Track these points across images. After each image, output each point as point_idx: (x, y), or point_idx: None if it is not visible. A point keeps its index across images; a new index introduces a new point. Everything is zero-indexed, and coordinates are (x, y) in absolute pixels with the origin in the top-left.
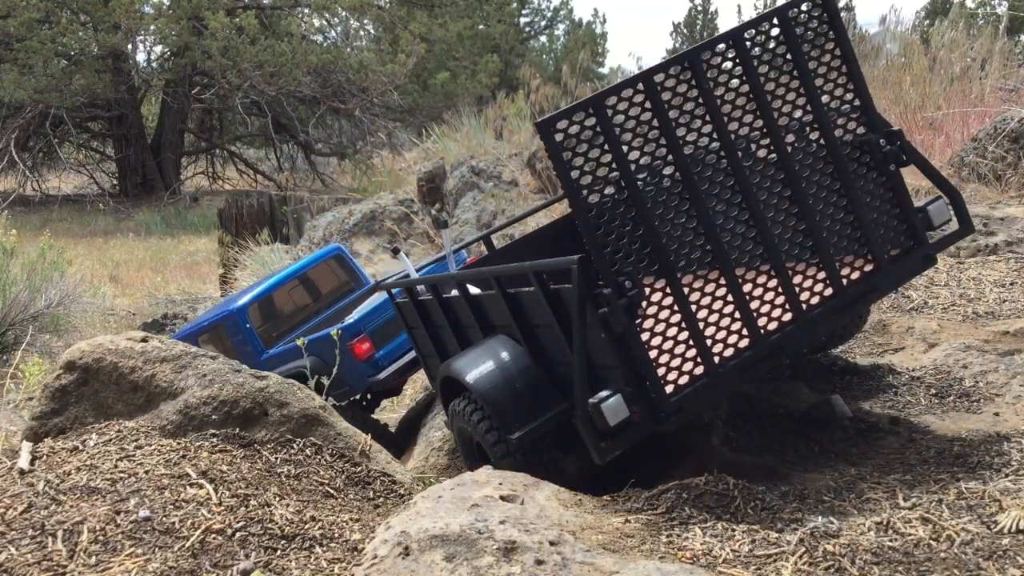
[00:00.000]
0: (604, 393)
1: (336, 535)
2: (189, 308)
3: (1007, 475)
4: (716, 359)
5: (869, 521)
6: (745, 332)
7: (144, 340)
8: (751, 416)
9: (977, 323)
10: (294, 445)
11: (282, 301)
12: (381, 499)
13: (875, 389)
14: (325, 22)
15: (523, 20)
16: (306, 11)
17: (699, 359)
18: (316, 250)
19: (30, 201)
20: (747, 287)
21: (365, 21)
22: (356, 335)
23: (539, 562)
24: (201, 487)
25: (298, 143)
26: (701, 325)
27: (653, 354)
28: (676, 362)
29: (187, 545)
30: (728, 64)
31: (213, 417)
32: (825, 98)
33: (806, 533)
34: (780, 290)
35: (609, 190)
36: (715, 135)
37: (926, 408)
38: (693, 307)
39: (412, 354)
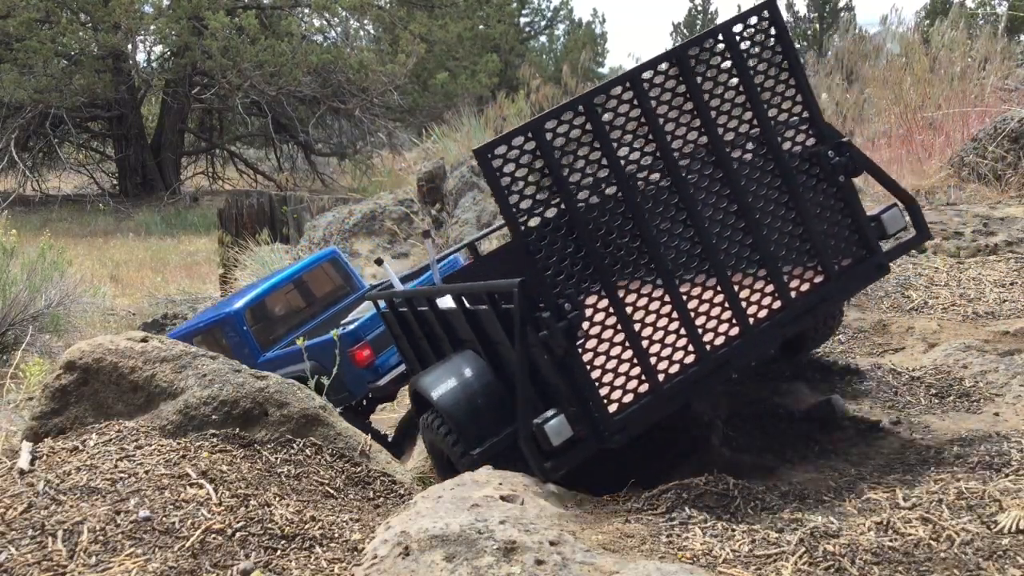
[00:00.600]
0: (548, 414)
1: (336, 535)
2: (189, 308)
3: (1007, 475)
4: (661, 376)
5: (869, 521)
6: (691, 348)
7: (144, 340)
8: (751, 416)
9: (977, 323)
10: (294, 445)
11: (278, 304)
12: (381, 499)
13: (875, 389)
14: (325, 22)
15: (523, 20)
16: (306, 11)
17: (643, 377)
18: (316, 250)
19: (30, 201)
20: (692, 303)
21: (365, 21)
22: (357, 342)
23: (539, 562)
24: (201, 487)
25: (298, 143)
26: (645, 343)
27: (596, 374)
28: (620, 381)
29: (187, 545)
30: (671, 82)
31: (213, 417)
32: (773, 111)
33: (806, 533)
34: (726, 305)
35: (550, 212)
36: (658, 153)
37: (926, 408)
38: (637, 326)
39: None
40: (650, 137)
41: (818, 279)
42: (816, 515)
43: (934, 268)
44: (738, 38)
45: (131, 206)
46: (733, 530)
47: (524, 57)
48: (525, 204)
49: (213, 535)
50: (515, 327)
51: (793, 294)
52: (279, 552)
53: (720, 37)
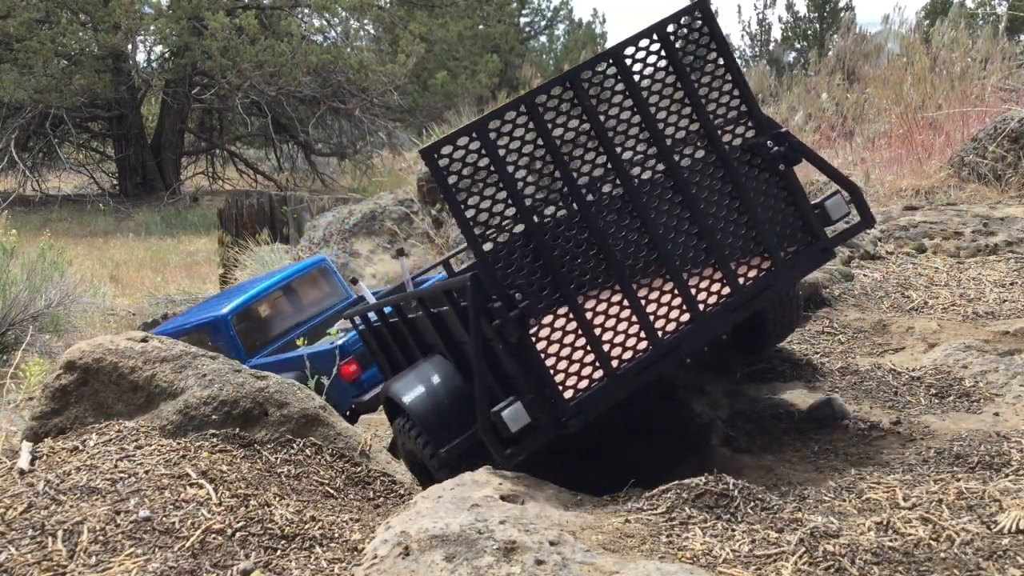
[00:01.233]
0: (505, 402)
1: (336, 535)
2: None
3: (1007, 475)
4: (614, 362)
5: (869, 521)
6: (643, 335)
7: (144, 340)
8: (751, 416)
9: (977, 323)
10: (294, 445)
11: (265, 309)
12: (381, 499)
13: (875, 389)
14: (325, 22)
15: (523, 20)
16: (306, 11)
17: (597, 363)
18: (316, 250)
19: (30, 201)
20: (642, 292)
21: (365, 21)
22: (344, 356)
23: (539, 562)
24: (201, 487)
25: (298, 143)
26: (597, 331)
27: (551, 361)
28: (575, 367)
29: (187, 545)
30: (610, 81)
31: (213, 417)
32: (712, 106)
33: (806, 533)
34: (676, 293)
35: (499, 208)
36: (601, 150)
37: (926, 408)
38: (589, 315)
39: None
40: (592, 134)
41: (765, 265)
42: (816, 515)
43: (934, 268)
44: (672, 37)
45: (131, 206)
46: (733, 530)
47: (524, 57)
48: (473, 201)
49: (213, 535)
50: (470, 319)
51: (741, 280)
52: (279, 552)
53: (654, 37)
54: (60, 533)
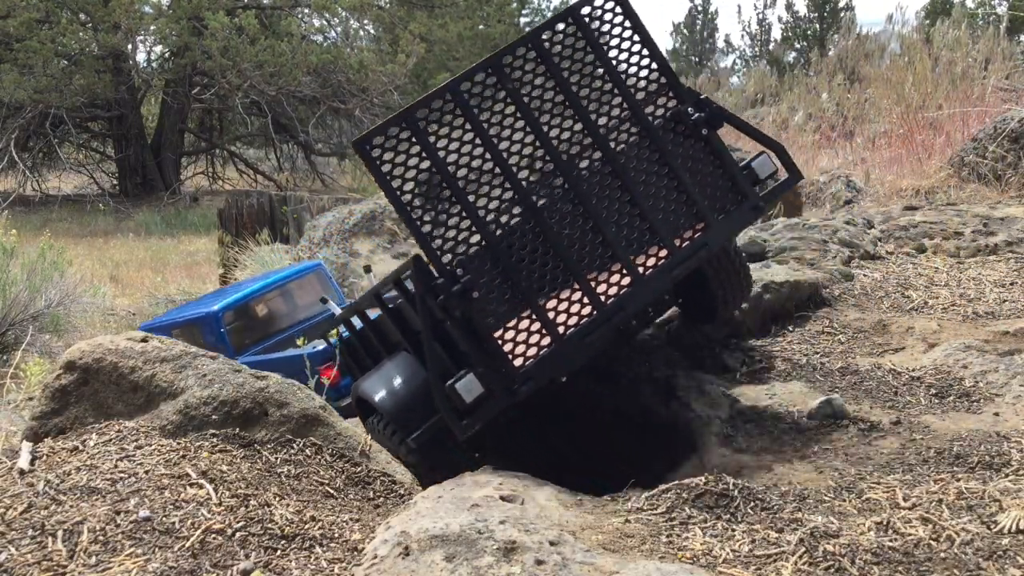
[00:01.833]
0: (458, 375)
1: (336, 535)
2: None
3: (1007, 475)
4: (560, 329)
5: (869, 521)
6: (585, 300)
7: (144, 340)
8: (751, 416)
9: (977, 323)
10: (294, 445)
11: (258, 309)
12: (381, 499)
13: (875, 389)
14: (325, 22)
15: (523, 20)
16: (306, 11)
17: (544, 331)
18: (316, 250)
19: (30, 201)
20: (585, 260)
21: (365, 21)
22: (325, 361)
23: (539, 562)
24: (201, 487)
25: (298, 143)
26: (542, 301)
27: (499, 332)
28: (522, 336)
29: (187, 545)
30: (531, 64)
31: (213, 417)
32: (632, 80)
33: (806, 533)
34: (616, 257)
35: (435, 192)
36: (528, 130)
37: (926, 408)
38: (532, 288)
39: None
40: (518, 116)
41: (699, 226)
42: (816, 515)
43: (934, 268)
44: (587, 19)
45: (131, 206)
46: (733, 530)
47: None
48: (408, 187)
49: (213, 535)
50: (417, 298)
51: (677, 242)
52: (279, 552)
53: (570, 20)
54: (60, 533)
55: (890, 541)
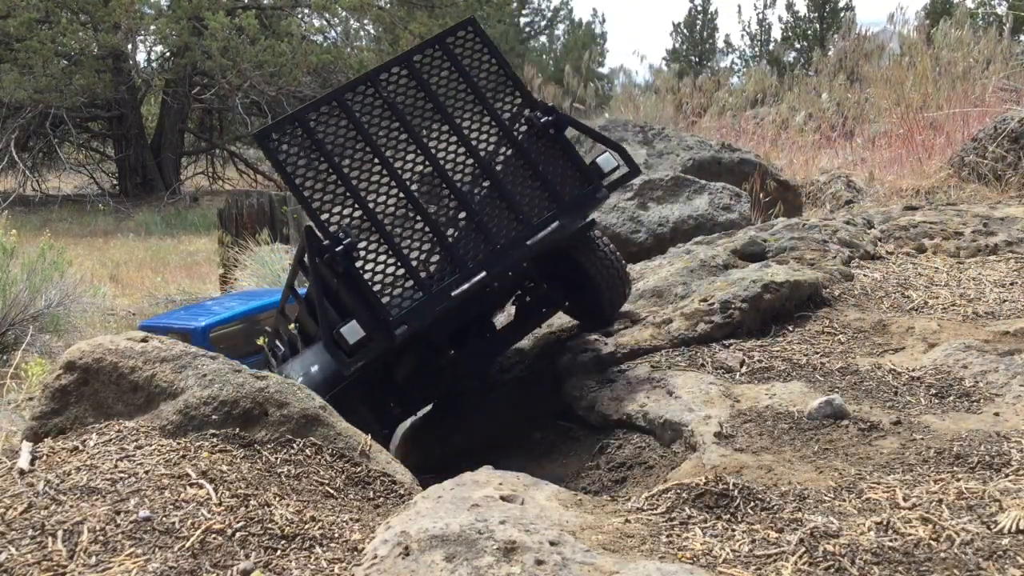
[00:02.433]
0: (343, 322)
1: (336, 535)
2: None
3: (1007, 475)
4: (429, 285)
5: (869, 521)
6: (450, 259)
7: (144, 340)
8: (751, 416)
9: (977, 323)
10: (294, 445)
11: (249, 327)
12: (381, 499)
13: (875, 389)
14: (325, 22)
15: (523, 20)
16: (306, 11)
17: (415, 286)
18: None
19: (30, 201)
20: (449, 231)
21: (365, 21)
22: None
23: (539, 562)
24: (201, 487)
25: None
26: (414, 263)
27: (377, 287)
28: (397, 291)
29: (187, 545)
30: (404, 79)
31: (213, 417)
32: (493, 94)
33: (806, 533)
34: (477, 229)
35: (329, 179)
36: (403, 131)
37: (926, 408)
38: (405, 251)
39: None
40: (394, 119)
41: (552, 206)
42: (816, 515)
43: (934, 268)
44: (451, 47)
45: (131, 206)
46: (733, 530)
47: (524, 57)
48: (300, 172)
49: (213, 535)
50: (308, 259)
51: (533, 220)
52: (279, 552)
53: (436, 47)
54: (60, 533)
55: (890, 541)
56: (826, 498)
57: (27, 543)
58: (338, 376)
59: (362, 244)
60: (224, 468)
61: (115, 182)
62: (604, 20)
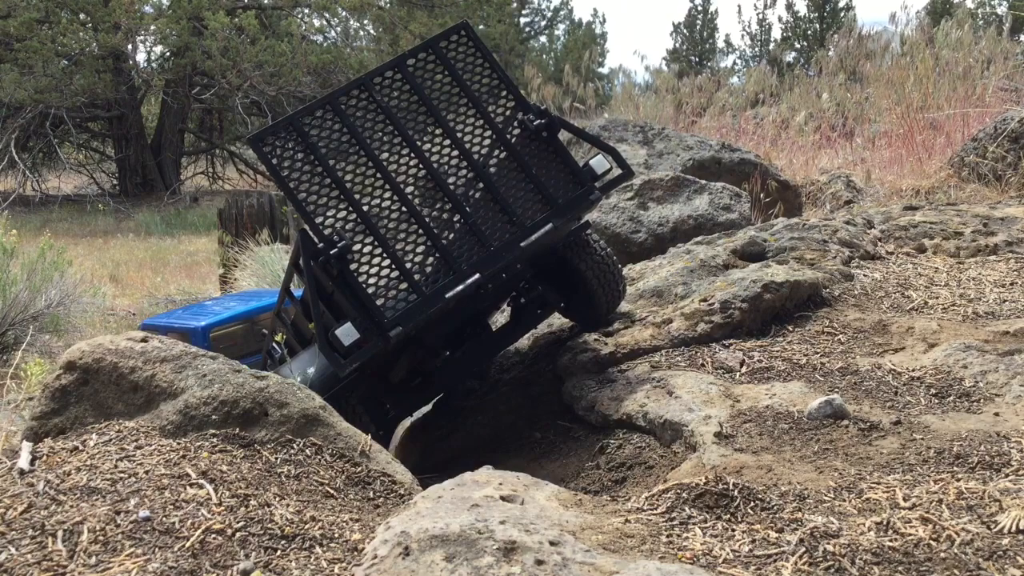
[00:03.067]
0: (339, 324)
1: (336, 535)
2: None
3: (1007, 475)
4: (424, 287)
5: (869, 521)
6: (444, 261)
7: (144, 340)
8: (751, 416)
9: (977, 323)
10: (294, 445)
11: (247, 328)
12: (381, 499)
13: (875, 389)
14: (325, 22)
15: (523, 20)
16: (306, 11)
17: (410, 288)
18: None
19: (30, 201)
20: (443, 233)
21: (365, 21)
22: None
23: (539, 562)
24: (201, 487)
25: None
26: (408, 265)
27: (371, 290)
28: (392, 293)
29: (187, 545)
30: (397, 83)
31: (213, 417)
32: (486, 97)
33: (806, 533)
34: (471, 231)
35: (324, 182)
36: (396, 134)
37: (926, 408)
38: (400, 254)
39: None
40: (388, 123)
41: (545, 208)
42: (816, 515)
43: (934, 268)
44: (444, 51)
45: (131, 206)
46: (733, 530)
47: (524, 57)
48: (295, 176)
49: (213, 535)
50: (304, 263)
51: (528, 222)
52: (279, 552)
53: (430, 50)
54: (60, 533)
55: (890, 541)
56: (826, 498)
57: (27, 543)
58: (334, 378)
59: (356, 247)
60: (224, 468)
61: (115, 182)
62: (604, 20)
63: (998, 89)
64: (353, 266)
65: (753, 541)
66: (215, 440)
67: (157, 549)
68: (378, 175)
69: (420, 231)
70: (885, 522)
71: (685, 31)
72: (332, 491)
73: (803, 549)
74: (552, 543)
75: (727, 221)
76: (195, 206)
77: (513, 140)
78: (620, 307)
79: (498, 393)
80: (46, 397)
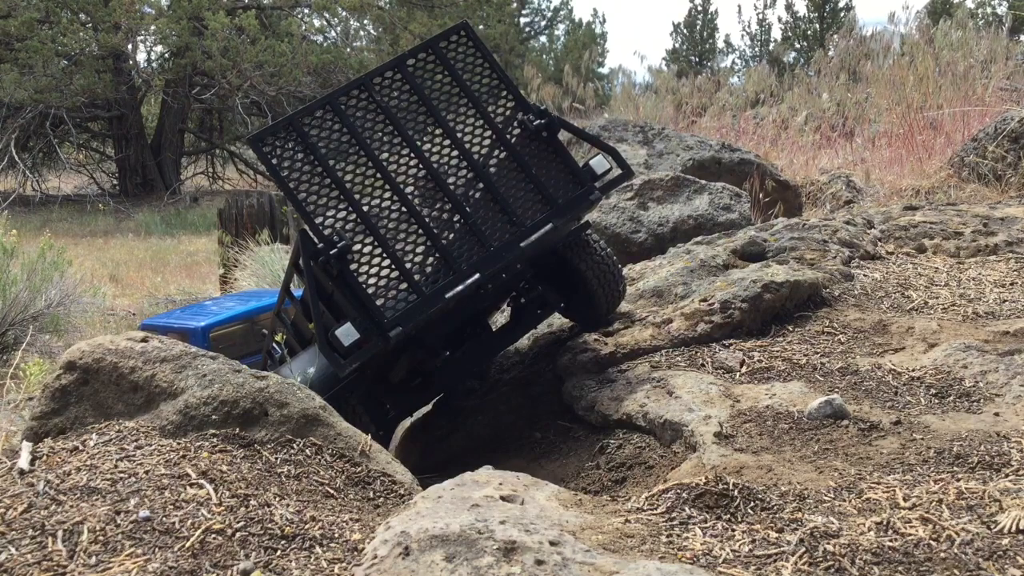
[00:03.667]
0: (339, 324)
1: (336, 535)
2: None
3: (1007, 475)
4: (423, 287)
5: (869, 521)
6: (444, 261)
7: (144, 340)
8: (751, 416)
9: (977, 323)
10: (294, 445)
11: (246, 328)
12: (381, 499)
13: (875, 389)
14: (325, 22)
15: (523, 20)
16: (306, 11)
17: (409, 288)
18: None
19: (30, 201)
20: (443, 233)
21: (365, 21)
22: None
23: (539, 562)
24: (201, 487)
25: None
26: (408, 265)
27: (371, 290)
28: (392, 292)
29: (187, 545)
30: (397, 83)
31: (213, 417)
32: (486, 97)
33: (806, 533)
34: (470, 230)
35: (323, 182)
36: (396, 134)
37: (926, 408)
38: (400, 254)
39: None
40: (387, 123)
41: (545, 208)
42: (816, 515)
43: (934, 268)
44: (444, 51)
45: (131, 206)
46: (733, 530)
47: (524, 57)
48: (295, 176)
49: (213, 535)
50: (304, 263)
51: (528, 222)
52: (279, 552)
53: (429, 50)
54: (60, 533)
55: (890, 541)
56: (826, 498)
57: (27, 543)
58: (334, 378)
59: (356, 247)
60: (224, 468)
61: (115, 182)
62: (604, 20)
63: (998, 89)
64: (353, 266)
65: (753, 541)
66: (215, 440)
67: (157, 549)
68: (378, 175)
69: (420, 231)
70: (885, 522)
71: (685, 31)
72: (332, 491)
73: (803, 549)
74: (552, 543)
75: (727, 221)
76: (195, 206)
77: (513, 140)
78: (620, 307)
79: (498, 393)
80: (46, 397)
